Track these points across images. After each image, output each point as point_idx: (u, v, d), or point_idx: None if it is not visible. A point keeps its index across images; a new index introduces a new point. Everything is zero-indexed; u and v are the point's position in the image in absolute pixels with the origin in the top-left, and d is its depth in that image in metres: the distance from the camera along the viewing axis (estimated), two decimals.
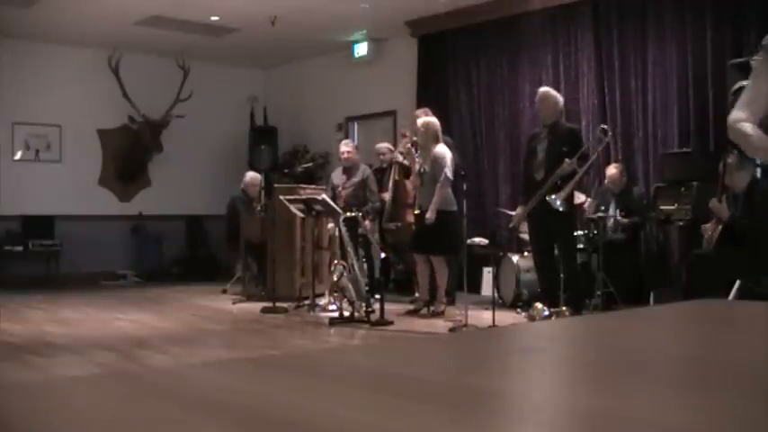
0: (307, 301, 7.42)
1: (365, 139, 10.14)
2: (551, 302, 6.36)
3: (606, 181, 7.40)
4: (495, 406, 0.55)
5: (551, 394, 0.60)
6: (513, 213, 7.14)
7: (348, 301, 6.73)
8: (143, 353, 5.18)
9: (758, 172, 6.46)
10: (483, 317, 6.44)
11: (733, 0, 6.99)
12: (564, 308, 6.25)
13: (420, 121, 7.06)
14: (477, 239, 7.31)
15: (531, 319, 6.39)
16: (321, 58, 11.08)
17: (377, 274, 6.97)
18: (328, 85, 11.08)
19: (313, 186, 8.70)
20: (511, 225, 7.16)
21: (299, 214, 7.55)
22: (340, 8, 8.80)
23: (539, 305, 6.43)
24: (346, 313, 6.63)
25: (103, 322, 6.72)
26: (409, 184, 7.58)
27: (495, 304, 6.14)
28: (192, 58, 10.55)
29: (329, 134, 11.02)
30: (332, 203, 7.15)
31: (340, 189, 7.92)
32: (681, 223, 6.91)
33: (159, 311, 7.40)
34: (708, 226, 6.03)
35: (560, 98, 6.75)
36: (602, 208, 7.13)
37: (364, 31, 10.07)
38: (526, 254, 7.34)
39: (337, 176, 8.08)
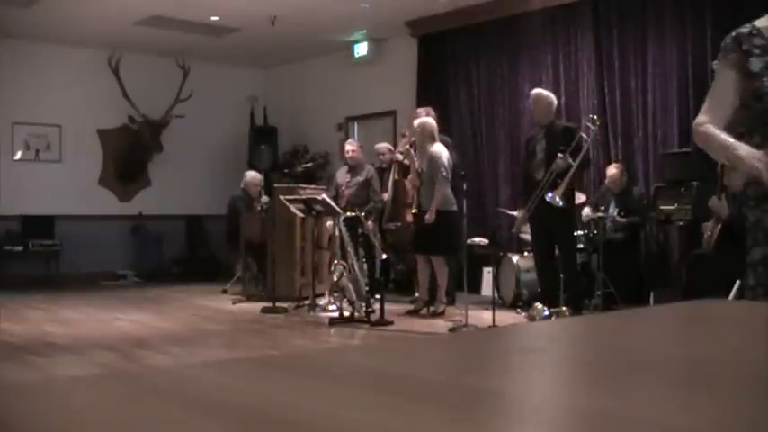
0: (307, 301, 7.42)
1: (365, 139, 10.14)
2: (551, 302, 6.36)
3: (606, 181, 7.40)
4: (495, 406, 0.55)
5: (551, 394, 0.60)
6: (514, 213, 7.14)
7: (348, 301, 6.73)
8: (143, 353, 5.18)
9: None
10: (483, 317, 6.44)
11: (733, 0, 6.99)
12: (564, 308, 6.25)
13: (416, 122, 7.06)
14: (477, 239, 7.31)
15: (531, 319, 6.39)
16: (321, 58, 11.08)
17: (377, 274, 6.97)
18: (328, 85, 11.08)
19: (313, 186, 8.70)
20: (513, 230, 7.17)
21: (299, 214, 7.55)
22: (340, 8, 8.80)
23: (539, 305, 6.43)
24: (346, 313, 6.63)
25: (103, 322, 6.72)
26: (408, 183, 7.58)
27: (495, 304, 6.14)
28: (192, 58, 10.55)
29: (329, 134, 11.02)
30: (332, 203, 7.16)
31: (343, 188, 7.93)
32: (681, 223, 6.91)
33: (159, 311, 7.40)
34: (708, 225, 6.03)
35: (554, 98, 6.79)
36: (602, 208, 7.13)
37: (364, 31, 10.07)
38: (526, 254, 7.34)
39: (341, 175, 8.10)
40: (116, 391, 0.59)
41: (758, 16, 2.99)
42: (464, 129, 9.22)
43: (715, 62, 2.58)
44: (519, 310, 7.00)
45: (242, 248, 8.69)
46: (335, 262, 7.14)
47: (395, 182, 7.81)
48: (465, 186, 6.43)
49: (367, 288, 6.74)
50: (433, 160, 6.76)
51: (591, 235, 7.06)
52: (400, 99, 9.99)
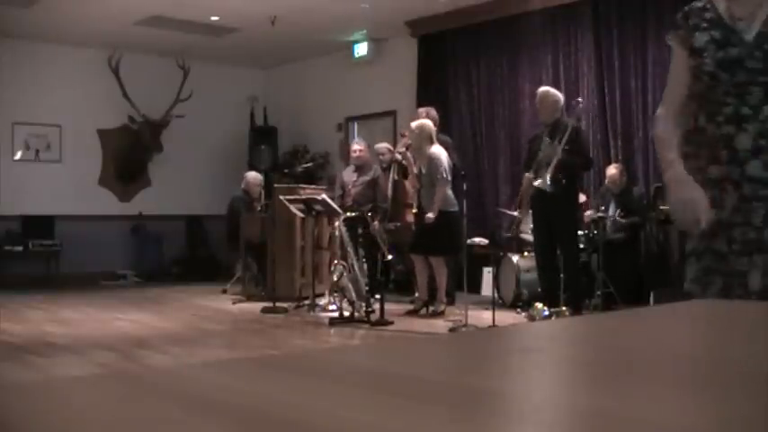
0: (307, 301, 7.42)
1: (365, 139, 10.15)
2: (551, 302, 6.36)
3: (606, 181, 7.41)
4: (495, 406, 0.55)
5: (551, 394, 0.60)
6: (514, 214, 7.13)
7: (348, 301, 6.73)
8: (143, 353, 5.18)
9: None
10: (483, 317, 6.44)
11: None
12: (564, 308, 6.25)
13: (413, 124, 7.04)
14: (477, 239, 7.31)
15: (531, 319, 6.39)
16: (321, 58, 11.08)
17: (379, 275, 6.97)
18: (328, 85, 11.08)
19: (313, 186, 8.70)
20: (517, 214, 7.11)
21: (299, 214, 7.55)
22: (340, 8, 8.80)
23: (539, 305, 6.43)
24: (346, 313, 6.63)
25: (103, 322, 6.72)
26: (408, 183, 7.59)
27: (495, 304, 6.14)
28: (192, 58, 10.55)
29: (329, 134, 11.02)
30: (332, 203, 7.16)
31: (350, 187, 7.93)
32: None
33: (159, 311, 7.41)
34: None
35: (560, 96, 6.75)
36: (602, 208, 7.13)
37: (364, 31, 10.07)
38: (526, 254, 7.34)
39: (348, 174, 8.11)
40: (116, 391, 0.59)
41: None
42: (464, 129, 9.22)
43: (669, 36, 2.43)
44: (519, 310, 7.00)
45: (242, 248, 8.69)
46: (335, 262, 7.14)
47: (394, 182, 7.81)
48: (465, 186, 6.43)
49: (367, 288, 6.74)
50: (433, 162, 6.76)
51: (591, 235, 7.06)
52: (400, 99, 9.99)
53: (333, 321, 6.49)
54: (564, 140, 6.30)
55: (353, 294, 6.69)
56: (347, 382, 0.62)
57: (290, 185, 8.41)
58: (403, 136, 7.98)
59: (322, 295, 7.56)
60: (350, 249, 6.93)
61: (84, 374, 1.09)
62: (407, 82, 9.86)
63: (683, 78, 2.30)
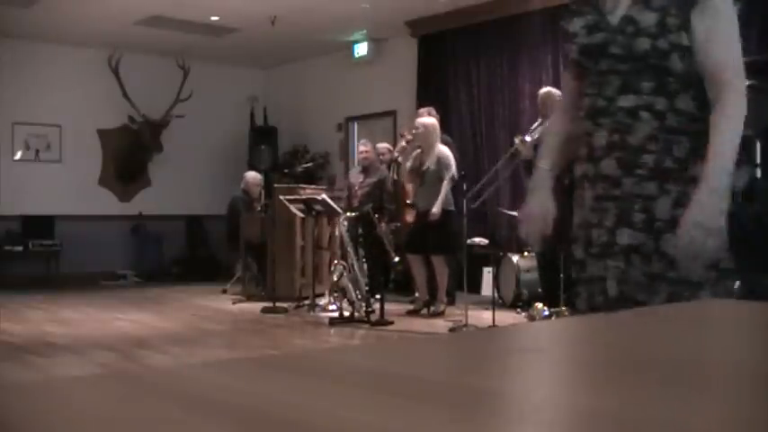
0: (307, 301, 7.42)
1: (364, 138, 10.15)
2: (551, 302, 6.36)
3: None
4: (495, 406, 0.55)
5: (551, 394, 0.60)
6: (514, 213, 7.11)
7: (348, 301, 6.73)
8: (143, 353, 5.18)
9: (758, 172, 6.47)
10: (483, 317, 6.44)
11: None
12: (564, 308, 6.25)
13: (422, 121, 7.04)
14: (477, 239, 7.31)
15: (531, 319, 6.39)
16: (321, 58, 11.08)
17: (381, 275, 6.97)
18: (328, 85, 11.08)
19: (313, 186, 8.70)
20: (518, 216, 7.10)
21: (299, 214, 7.55)
22: (340, 8, 8.80)
23: (539, 305, 6.43)
24: (346, 313, 6.63)
25: (103, 322, 6.73)
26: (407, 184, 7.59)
27: (495, 304, 6.14)
28: (192, 58, 10.55)
29: (329, 134, 11.02)
30: (332, 203, 7.16)
31: (356, 188, 7.93)
32: None
33: (159, 311, 7.41)
34: None
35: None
36: None
37: (364, 31, 10.07)
38: (526, 254, 7.34)
39: (354, 175, 8.11)
40: (116, 391, 0.59)
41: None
42: (464, 129, 9.22)
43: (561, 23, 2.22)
44: (519, 310, 7.00)
45: (242, 248, 8.69)
46: (335, 262, 7.14)
47: (394, 182, 7.81)
48: (465, 186, 6.43)
49: (367, 288, 6.74)
50: (442, 160, 6.80)
51: None
52: (400, 99, 9.99)
53: (333, 321, 6.49)
54: (535, 133, 6.29)
55: (353, 294, 6.69)
56: (347, 382, 0.62)
57: (290, 185, 8.41)
58: (402, 136, 7.98)
59: (322, 295, 7.56)
60: (350, 249, 6.93)
61: (84, 374, 1.09)
62: (407, 82, 9.86)
63: (570, 71, 2.14)
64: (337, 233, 7.36)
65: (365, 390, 0.58)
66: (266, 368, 0.70)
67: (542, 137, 6.23)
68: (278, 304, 7.24)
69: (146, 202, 10.98)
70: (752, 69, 6.59)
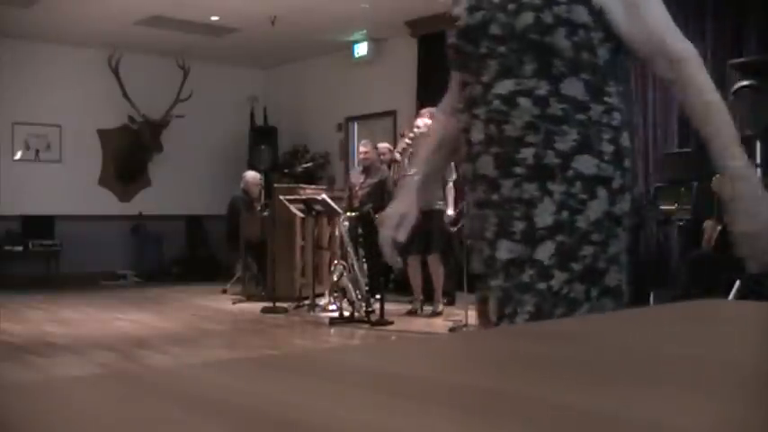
0: (307, 301, 7.42)
1: (365, 139, 10.16)
2: None
3: None
4: (496, 406, 0.55)
5: (551, 394, 0.60)
6: None
7: (348, 301, 6.74)
8: (143, 353, 5.18)
9: (758, 172, 6.46)
10: None
11: (733, 0, 6.99)
12: None
13: (422, 122, 7.05)
14: None
15: None
16: (321, 58, 11.08)
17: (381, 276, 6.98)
18: (328, 85, 11.08)
19: (313, 186, 8.70)
20: None
21: (299, 214, 7.55)
22: (340, 8, 8.81)
23: None
24: (346, 313, 6.64)
25: (103, 322, 6.73)
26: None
27: None
28: (192, 58, 10.55)
29: (329, 134, 11.02)
30: (332, 203, 7.16)
31: (357, 189, 7.93)
32: (681, 223, 6.91)
33: (159, 311, 7.41)
34: (708, 225, 6.04)
35: None
36: None
37: (364, 31, 10.07)
38: None
39: (355, 176, 8.10)
40: (116, 391, 0.59)
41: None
42: None
43: None
44: None
45: (242, 248, 8.69)
46: (335, 262, 7.14)
47: (393, 182, 7.81)
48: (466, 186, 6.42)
49: (367, 288, 6.74)
50: None
51: None
52: (400, 99, 9.99)
53: (333, 321, 6.49)
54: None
55: (353, 294, 6.69)
56: (347, 382, 0.62)
57: (290, 185, 8.41)
58: (403, 136, 7.98)
59: (322, 295, 7.57)
60: (350, 249, 6.93)
61: (84, 374, 1.09)
62: (407, 82, 9.86)
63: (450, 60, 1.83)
64: (337, 233, 7.36)
65: (365, 390, 0.58)
66: (266, 368, 0.70)
67: None
68: (278, 304, 7.24)
69: (146, 202, 10.98)
70: (752, 69, 6.57)
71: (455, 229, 6.69)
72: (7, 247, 9.73)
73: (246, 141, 11.18)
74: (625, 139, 1.64)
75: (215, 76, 11.35)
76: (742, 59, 6.42)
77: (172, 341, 5.65)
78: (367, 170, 7.98)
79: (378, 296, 6.55)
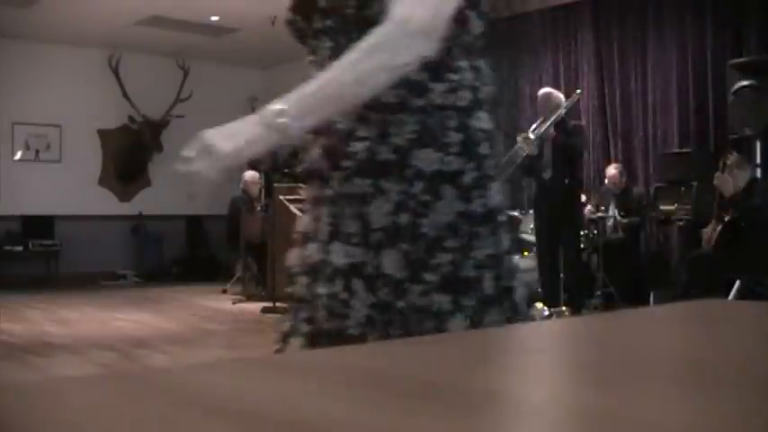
0: None
1: None
2: (551, 302, 6.36)
3: (606, 181, 7.41)
4: (496, 406, 0.55)
5: (551, 394, 0.60)
6: (514, 213, 7.12)
7: None
8: (143, 353, 5.18)
9: (758, 172, 6.47)
10: None
11: (733, 0, 6.99)
12: (564, 308, 6.25)
13: None
14: None
15: (531, 319, 6.38)
16: None
17: None
18: None
19: None
20: (517, 215, 7.05)
21: (299, 214, 7.53)
22: None
23: (539, 305, 6.43)
24: None
25: (103, 322, 6.72)
26: None
27: None
28: (192, 58, 10.55)
29: None
30: None
31: None
32: (681, 223, 6.91)
33: (159, 311, 7.40)
34: (708, 227, 6.04)
35: (562, 98, 6.74)
36: (602, 208, 7.13)
37: None
38: (526, 254, 7.34)
39: None
40: (116, 391, 0.59)
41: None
42: None
43: None
44: None
45: (242, 248, 8.69)
46: None
47: None
48: None
49: None
50: None
51: (591, 235, 7.06)
52: None
53: None
54: (552, 120, 6.23)
55: None
56: (347, 382, 0.62)
57: (290, 185, 8.41)
58: None
59: None
60: None
61: (83, 374, 1.09)
62: None
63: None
64: None
65: (365, 390, 0.58)
66: (266, 368, 0.70)
67: (545, 133, 6.25)
68: (278, 304, 7.24)
69: (146, 202, 10.98)
70: (752, 69, 6.58)
71: None
72: (7, 247, 9.73)
73: None
74: (480, 121, 1.34)
75: (215, 76, 11.35)
76: (742, 59, 6.42)
77: (172, 341, 5.65)
78: None
79: None
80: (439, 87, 1.30)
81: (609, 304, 6.58)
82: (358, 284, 1.33)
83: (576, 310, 6.31)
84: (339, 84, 1.24)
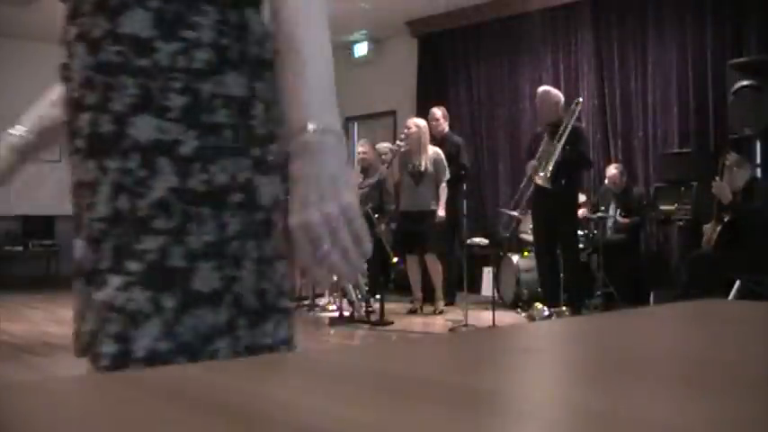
0: (306, 301, 7.42)
1: (364, 139, 10.15)
2: (551, 302, 6.37)
3: (606, 181, 7.41)
4: (495, 406, 0.55)
5: (551, 394, 0.60)
6: (514, 213, 7.12)
7: (348, 301, 6.74)
8: None
9: (758, 172, 6.47)
10: (483, 317, 6.44)
11: (733, 0, 7.00)
12: (564, 308, 6.26)
13: (414, 122, 7.06)
14: (477, 239, 7.31)
15: (531, 319, 6.39)
16: None
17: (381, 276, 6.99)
18: None
19: None
20: (518, 215, 7.09)
21: None
22: (340, 8, 8.80)
23: (539, 305, 6.43)
24: (346, 313, 6.64)
25: None
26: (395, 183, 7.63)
27: (495, 304, 6.14)
28: None
29: None
30: None
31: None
32: (681, 223, 6.91)
33: None
34: (708, 227, 6.04)
35: (561, 97, 6.74)
36: (602, 208, 7.14)
37: (364, 32, 10.07)
38: (526, 254, 7.34)
39: (354, 176, 8.11)
40: (116, 391, 0.59)
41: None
42: (464, 129, 9.23)
43: None
44: (519, 310, 7.00)
45: None
46: None
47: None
48: (465, 186, 6.44)
49: (367, 288, 6.74)
50: (440, 162, 6.86)
51: (591, 235, 7.06)
52: (400, 99, 9.99)
53: (333, 321, 6.49)
54: (563, 140, 6.29)
55: (353, 294, 6.69)
56: (347, 382, 0.62)
57: None
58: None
59: (322, 295, 7.57)
60: None
61: (83, 374, 1.08)
62: (407, 82, 9.87)
63: None
64: None
65: (365, 390, 0.58)
66: (266, 368, 0.70)
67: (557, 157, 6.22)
68: None
69: None
70: (752, 69, 6.60)
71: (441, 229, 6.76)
72: (7, 247, 9.74)
73: None
74: (221, 85, 1.09)
75: None
76: (742, 59, 6.43)
77: None
78: (365, 171, 7.98)
79: (378, 296, 6.55)
80: (169, 47, 1.09)
81: (609, 304, 6.58)
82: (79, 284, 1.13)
83: (576, 310, 6.32)
84: (327, 58, 1.09)
